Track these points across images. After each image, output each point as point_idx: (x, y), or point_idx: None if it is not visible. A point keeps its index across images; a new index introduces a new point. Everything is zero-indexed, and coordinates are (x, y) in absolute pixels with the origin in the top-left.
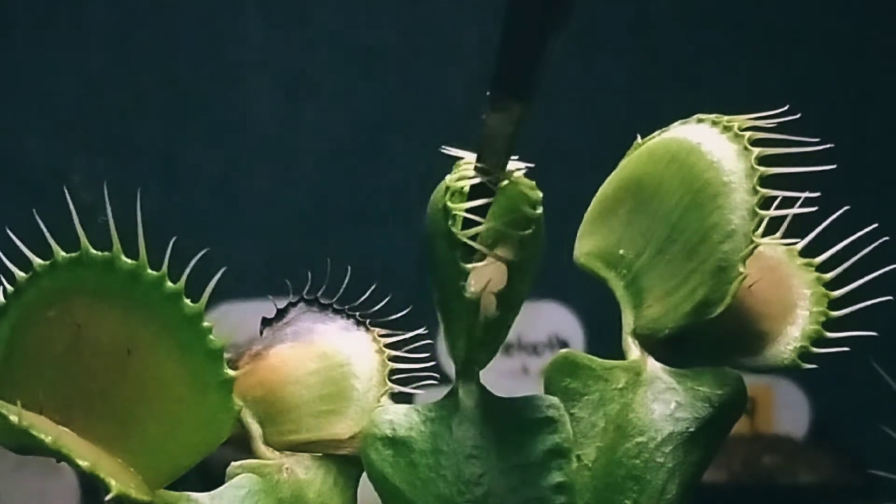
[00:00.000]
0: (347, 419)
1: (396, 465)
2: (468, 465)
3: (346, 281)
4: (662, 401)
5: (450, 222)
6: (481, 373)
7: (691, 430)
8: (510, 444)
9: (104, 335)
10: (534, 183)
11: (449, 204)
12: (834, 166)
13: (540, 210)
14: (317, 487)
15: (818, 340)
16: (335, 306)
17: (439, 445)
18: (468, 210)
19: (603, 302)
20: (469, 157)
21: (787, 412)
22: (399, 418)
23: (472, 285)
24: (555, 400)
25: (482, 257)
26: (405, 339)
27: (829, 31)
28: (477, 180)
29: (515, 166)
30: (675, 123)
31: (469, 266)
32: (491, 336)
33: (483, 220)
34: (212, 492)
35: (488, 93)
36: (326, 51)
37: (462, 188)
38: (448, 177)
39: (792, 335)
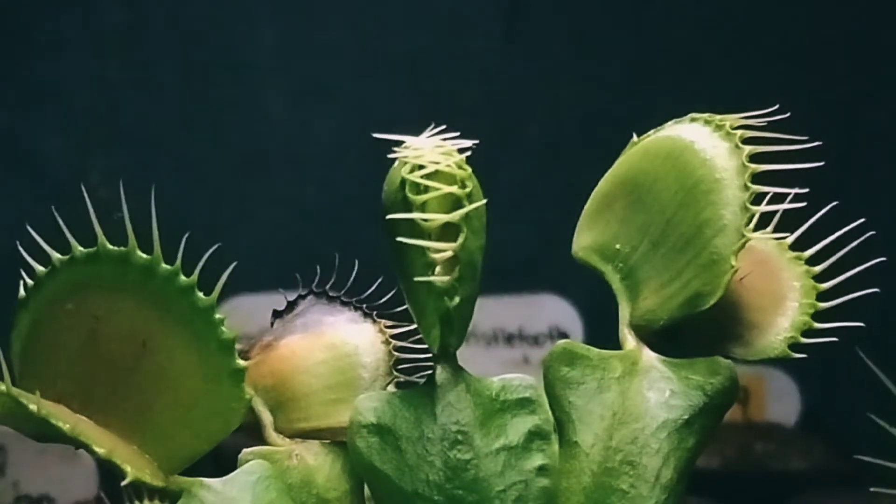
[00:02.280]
0: None
1: (383, 452)
2: (455, 450)
3: (354, 275)
4: (657, 389)
5: (413, 214)
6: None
7: (685, 417)
8: (493, 428)
9: (120, 327)
10: (462, 159)
11: (411, 196)
12: (822, 163)
13: (469, 188)
14: (325, 473)
15: (807, 331)
16: (343, 299)
17: (425, 432)
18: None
19: (601, 294)
20: (416, 142)
21: (779, 401)
22: (383, 405)
23: (439, 274)
24: (531, 380)
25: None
26: (410, 331)
27: (818, 32)
28: (431, 169)
29: (453, 144)
30: (670, 122)
31: (437, 256)
32: (460, 319)
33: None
34: (224, 477)
35: None
36: (336, 55)
37: (419, 178)
38: (402, 168)
39: (782, 326)
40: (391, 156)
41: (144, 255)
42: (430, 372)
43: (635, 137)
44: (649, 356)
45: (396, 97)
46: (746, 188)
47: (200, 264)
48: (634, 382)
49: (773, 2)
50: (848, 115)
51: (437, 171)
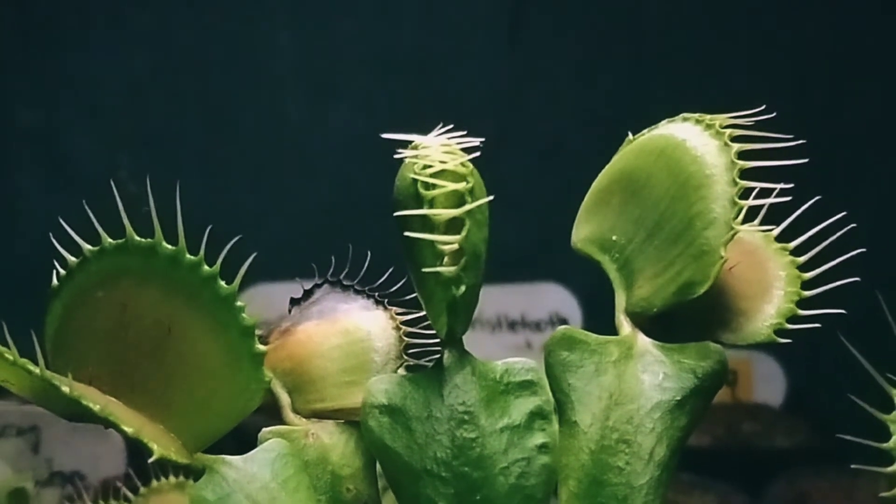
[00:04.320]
0: None
1: (394, 431)
2: (461, 430)
3: (366, 265)
4: (651, 372)
5: (423, 210)
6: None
7: (677, 398)
8: (497, 408)
9: (147, 314)
10: (465, 159)
11: (422, 191)
12: (806, 160)
13: (471, 184)
14: (339, 451)
15: (792, 318)
16: (356, 287)
17: (433, 412)
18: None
19: (598, 283)
20: (424, 141)
21: (765, 383)
22: (393, 387)
23: (446, 264)
24: (532, 363)
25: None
26: (420, 317)
27: (803, 37)
28: (440, 167)
29: (459, 143)
30: (663, 121)
31: (445, 248)
32: (466, 306)
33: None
34: (245, 455)
35: None
36: (349, 57)
37: (430, 175)
38: (413, 166)
39: (768, 313)
40: (399, 156)
41: (170, 247)
42: (437, 356)
43: (631, 136)
44: (644, 341)
45: (406, 98)
46: (735, 183)
47: (222, 255)
48: (630, 366)
49: (760, 10)
50: (830, 115)
51: (443, 170)
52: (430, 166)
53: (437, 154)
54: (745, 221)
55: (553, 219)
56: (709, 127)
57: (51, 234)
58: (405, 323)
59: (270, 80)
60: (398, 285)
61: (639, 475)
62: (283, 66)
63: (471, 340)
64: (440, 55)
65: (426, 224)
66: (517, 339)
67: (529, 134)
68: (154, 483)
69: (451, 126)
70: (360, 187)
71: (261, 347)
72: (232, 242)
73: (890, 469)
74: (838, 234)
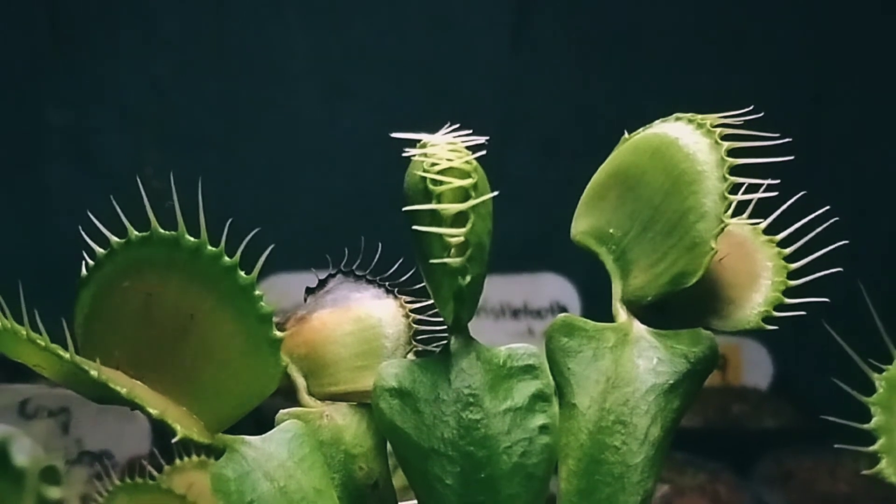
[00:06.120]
0: None
1: (403, 413)
2: (467, 411)
3: (377, 256)
4: (646, 357)
5: (431, 205)
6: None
7: (671, 381)
8: (501, 391)
9: (171, 302)
10: (469, 156)
11: (431, 187)
12: (792, 157)
13: (475, 179)
14: (352, 431)
15: (779, 305)
16: (368, 277)
17: (440, 395)
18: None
19: (596, 273)
20: (432, 140)
21: (753, 367)
22: (403, 371)
23: (453, 256)
24: (534, 349)
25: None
26: (428, 305)
27: (789, 41)
28: (447, 165)
29: (464, 141)
30: (657, 121)
31: (452, 240)
32: (472, 295)
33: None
34: (263, 435)
35: None
36: (361, 60)
37: (437, 172)
38: (422, 164)
39: (756, 301)
40: (408, 154)
41: (192, 239)
42: (445, 342)
43: (626, 134)
44: (639, 328)
45: (414, 98)
46: (725, 179)
47: (242, 247)
48: (626, 351)
49: (749, 17)
50: (814, 115)
51: (449, 167)
52: (437, 164)
53: (444, 152)
54: (734, 215)
55: (553, 213)
56: (700, 126)
57: (80, 227)
58: (414, 311)
59: (287, 82)
60: (407, 275)
61: (634, 454)
62: (298, 68)
63: (476, 327)
64: (447, 58)
65: (434, 218)
66: (519, 326)
67: (531, 132)
68: (177, 462)
69: (457, 125)
70: (371, 183)
71: (278, 334)
72: (251, 235)
73: (871, 448)
74: (822, 227)
